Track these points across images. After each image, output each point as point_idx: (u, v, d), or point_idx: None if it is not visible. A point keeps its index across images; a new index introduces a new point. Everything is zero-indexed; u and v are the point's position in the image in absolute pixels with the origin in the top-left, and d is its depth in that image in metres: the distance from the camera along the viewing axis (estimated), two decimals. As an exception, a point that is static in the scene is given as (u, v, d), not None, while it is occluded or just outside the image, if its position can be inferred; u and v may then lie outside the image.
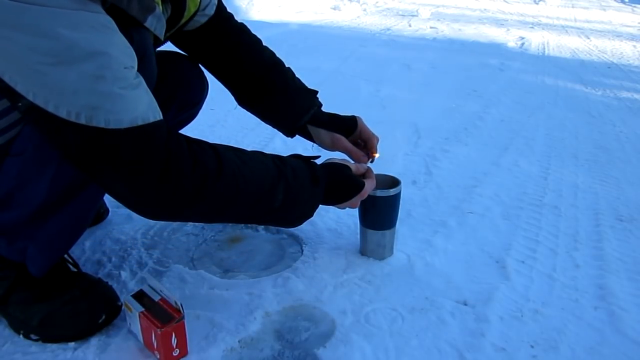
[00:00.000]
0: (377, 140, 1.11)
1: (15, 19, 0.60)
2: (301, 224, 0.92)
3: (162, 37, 0.84)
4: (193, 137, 0.77)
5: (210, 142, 0.79)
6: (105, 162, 0.68)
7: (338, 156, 1.02)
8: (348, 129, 1.10)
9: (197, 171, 0.73)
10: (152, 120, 0.69)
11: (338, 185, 0.93)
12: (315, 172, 0.89)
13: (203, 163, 0.74)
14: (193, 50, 1.10)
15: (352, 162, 1.01)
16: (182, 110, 1.13)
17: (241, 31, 1.12)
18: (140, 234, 1.18)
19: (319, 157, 0.96)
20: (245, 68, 1.09)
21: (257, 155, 0.85)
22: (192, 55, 1.11)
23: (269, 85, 1.09)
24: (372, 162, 1.11)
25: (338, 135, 1.09)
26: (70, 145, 0.67)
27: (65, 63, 0.62)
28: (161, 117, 0.71)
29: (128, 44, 0.69)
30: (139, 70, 0.70)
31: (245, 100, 1.13)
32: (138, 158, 0.68)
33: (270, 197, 0.82)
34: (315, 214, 0.92)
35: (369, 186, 0.98)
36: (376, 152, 1.11)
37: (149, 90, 0.71)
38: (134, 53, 0.70)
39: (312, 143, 1.14)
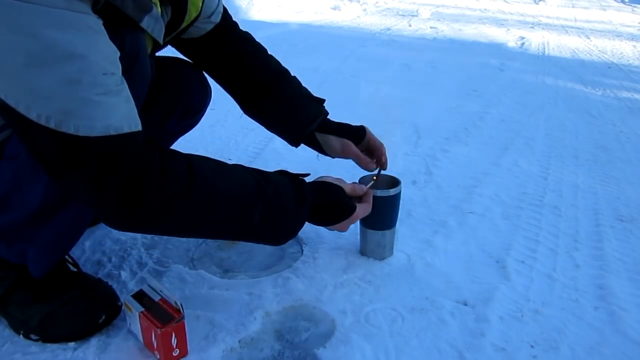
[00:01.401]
0: (385, 150, 1.09)
1: None
2: (284, 242, 0.88)
3: (160, 40, 0.83)
4: (172, 147, 0.73)
5: (191, 153, 0.76)
6: (72, 168, 0.65)
7: (334, 174, 0.97)
8: (357, 137, 1.08)
9: (165, 187, 0.69)
10: (126, 130, 0.65)
11: (326, 207, 0.90)
12: (302, 191, 0.85)
13: (174, 178, 0.70)
14: (198, 58, 1.09)
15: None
16: (184, 117, 1.13)
17: (246, 39, 1.11)
18: (140, 234, 1.18)
19: (308, 175, 0.92)
20: (251, 76, 1.08)
21: (238, 170, 0.81)
22: (197, 63, 1.10)
23: (276, 93, 1.08)
24: (379, 172, 1.08)
25: (348, 141, 1.07)
26: (39, 147, 0.65)
27: (41, 64, 0.59)
28: (138, 128, 0.67)
29: (114, 49, 0.66)
30: (130, 72, 0.68)
31: (251, 108, 1.12)
32: (105, 168, 0.65)
33: (246, 215, 0.78)
34: None
35: (361, 211, 0.95)
36: (386, 161, 1.08)
37: (130, 98, 0.68)
38: (118, 59, 0.66)
39: (317, 153, 1.12)
